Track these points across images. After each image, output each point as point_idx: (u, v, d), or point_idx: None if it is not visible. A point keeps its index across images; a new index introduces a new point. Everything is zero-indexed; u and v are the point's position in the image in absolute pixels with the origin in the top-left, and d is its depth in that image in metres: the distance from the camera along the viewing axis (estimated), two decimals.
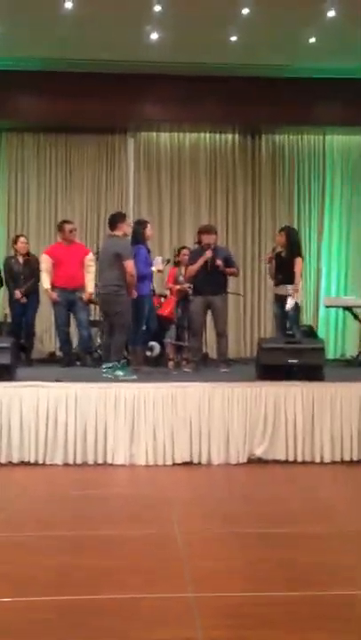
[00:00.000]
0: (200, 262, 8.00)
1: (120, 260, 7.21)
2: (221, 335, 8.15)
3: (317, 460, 6.76)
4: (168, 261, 8.85)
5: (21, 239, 9.23)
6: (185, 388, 6.78)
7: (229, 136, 11.75)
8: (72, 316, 8.80)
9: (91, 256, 8.84)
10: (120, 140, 11.61)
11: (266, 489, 5.95)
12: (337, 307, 10.56)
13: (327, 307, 10.90)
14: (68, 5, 8.55)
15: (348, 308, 10.12)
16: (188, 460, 6.63)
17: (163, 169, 11.66)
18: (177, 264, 9.13)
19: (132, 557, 4.13)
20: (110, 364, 7.30)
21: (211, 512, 5.14)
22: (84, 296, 8.65)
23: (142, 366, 8.03)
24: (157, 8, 8.64)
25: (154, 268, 8.05)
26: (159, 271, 8.28)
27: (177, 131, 11.62)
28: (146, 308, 7.87)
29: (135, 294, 7.50)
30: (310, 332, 10.03)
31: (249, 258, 11.62)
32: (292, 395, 6.80)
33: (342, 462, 6.77)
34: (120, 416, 6.62)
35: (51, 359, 10.19)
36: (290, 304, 8.22)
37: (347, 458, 6.79)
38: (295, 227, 11.61)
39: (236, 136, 11.75)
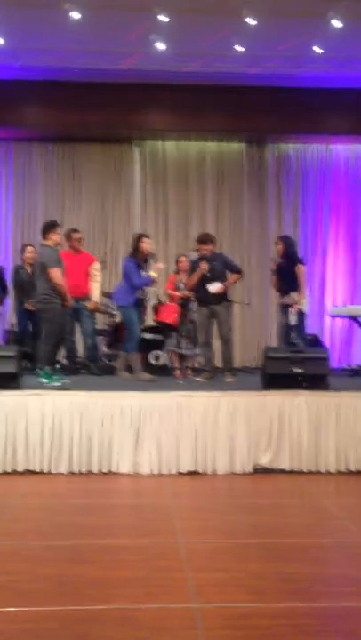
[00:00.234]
0: (195, 278, 8.12)
1: (45, 269, 7.28)
2: (226, 342, 8.18)
3: (322, 470, 6.75)
4: (153, 254, 8.80)
5: (29, 248, 9.24)
6: (190, 397, 6.77)
7: (235, 145, 11.76)
8: (77, 325, 8.82)
9: (96, 265, 8.87)
10: (126, 150, 11.64)
11: (270, 499, 5.94)
12: (342, 316, 10.54)
13: (332, 316, 10.88)
14: (75, 16, 8.59)
15: (353, 318, 10.09)
16: (192, 469, 6.62)
17: (168, 178, 11.68)
18: (177, 271, 9.15)
19: (134, 568, 4.13)
20: (38, 371, 7.36)
21: (215, 522, 5.13)
22: (90, 305, 8.67)
23: (144, 374, 8.04)
24: (163, 18, 8.68)
25: (152, 273, 8.15)
26: (155, 276, 8.33)
27: (183, 140, 11.65)
28: (132, 317, 8.08)
29: (71, 303, 7.62)
30: (316, 342, 10.00)
31: (255, 267, 11.62)
32: (296, 404, 6.79)
33: (347, 472, 6.75)
34: (125, 425, 6.62)
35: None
36: (293, 318, 8.25)
37: (352, 468, 6.77)
38: (301, 236, 11.67)
39: (243, 145, 11.77)
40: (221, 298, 8.15)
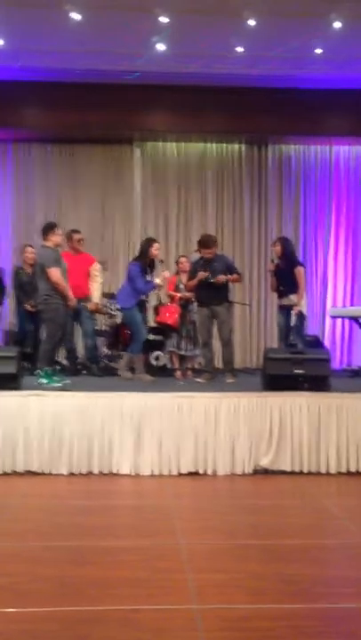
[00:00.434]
0: (195, 282, 8.13)
1: (44, 270, 7.33)
2: (226, 343, 8.17)
3: (323, 470, 6.73)
4: (161, 261, 8.81)
5: (29, 249, 9.24)
6: (191, 398, 6.76)
7: (236, 146, 11.76)
8: (77, 326, 8.82)
9: (96, 266, 8.86)
10: (126, 151, 11.64)
11: (271, 500, 5.93)
12: (343, 317, 10.54)
13: (333, 317, 10.87)
14: (75, 16, 8.59)
15: (354, 318, 10.09)
16: (193, 470, 6.61)
17: (169, 179, 11.68)
18: (177, 272, 9.14)
19: (135, 568, 4.12)
20: (39, 372, 7.36)
21: (215, 523, 5.11)
22: (90, 306, 8.66)
23: (146, 375, 8.04)
24: (163, 19, 8.68)
25: (158, 280, 8.20)
26: (163, 281, 8.37)
27: (183, 141, 11.65)
28: (136, 318, 8.11)
29: (74, 302, 7.62)
30: (316, 343, 9.99)
31: (255, 268, 11.62)
32: (297, 405, 6.78)
33: (348, 473, 6.74)
34: (126, 426, 6.61)
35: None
36: (293, 319, 8.26)
37: (353, 469, 6.76)
38: (301, 237, 11.67)
39: (243, 146, 11.77)
40: (222, 298, 8.15)
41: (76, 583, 3.87)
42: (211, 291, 8.04)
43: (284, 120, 10.95)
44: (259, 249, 11.68)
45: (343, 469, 6.75)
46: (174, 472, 6.59)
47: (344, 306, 11.39)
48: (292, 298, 8.37)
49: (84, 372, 8.86)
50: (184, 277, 8.76)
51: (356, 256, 11.86)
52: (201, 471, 6.62)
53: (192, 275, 8.28)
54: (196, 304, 8.48)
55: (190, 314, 8.79)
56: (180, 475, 6.57)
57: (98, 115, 10.67)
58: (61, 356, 8.98)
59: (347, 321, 10.94)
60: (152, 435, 6.61)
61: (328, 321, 11.54)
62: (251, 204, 11.73)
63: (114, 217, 11.55)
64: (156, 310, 9.21)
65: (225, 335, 8.15)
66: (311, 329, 11.23)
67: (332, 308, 11.23)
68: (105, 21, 8.77)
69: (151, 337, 8.90)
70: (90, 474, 6.54)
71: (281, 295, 8.59)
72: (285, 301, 8.46)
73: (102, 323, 9.89)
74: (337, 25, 8.78)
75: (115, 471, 6.56)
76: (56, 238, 7.58)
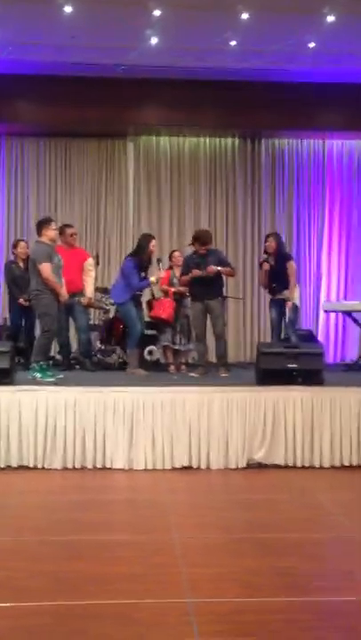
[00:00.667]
0: (189, 277, 8.10)
1: (35, 265, 7.37)
2: (220, 338, 8.17)
3: (317, 464, 6.76)
4: (159, 260, 8.80)
5: (21, 244, 9.22)
6: (184, 392, 6.77)
7: (229, 140, 11.73)
8: (71, 320, 8.80)
9: (90, 261, 8.84)
10: (120, 145, 11.59)
11: (265, 494, 5.94)
12: (337, 311, 10.56)
13: (327, 311, 10.89)
14: (68, 10, 8.55)
15: (347, 313, 10.11)
16: (187, 464, 6.62)
17: (163, 173, 11.64)
18: (171, 267, 9.13)
19: (131, 564, 4.12)
20: (34, 365, 7.36)
21: (209, 518, 5.12)
22: (83, 300, 8.65)
23: (140, 370, 8.03)
24: (157, 12, 8.65)
25: (152, 279, 8.22)
26: (157, 280, 8.39)
27: (177, 135, 11.62)
28: (131, 313, 8.12)
29: (65, 297, 7.59)
30: (310, 337, 10.01)
31: (249, 262, 11.60)
32: (291, 399, 6.79)
33: (342, 467, 6.76)
34: (119, 420, 6.61)
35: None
36: (290, 314, 8.28)
37: (346, 463, 6.78)
38: (295, 231, 11.67)
39: (236, 140, 11.74)
40: (216, 293, 8.14)
41: (72, 578, 3.87)
42: (204, 285, 8.03)
43: (279, 114, 10.90)
44: (252, 243, 11.66)
45: (337, 463, 6.78)
46: (168, 467, 6.59)
47: (338, 300, 11.41)
48: (286, 293, 8.38)
49: (78, 366, 8.84)
50: (178, 272, 8.75)
51: (350, 250, 11.87)
52: (195, 466, 6.63)
53: (185, 269, 8.27)
54: (189, 299, 8.47)
55: (184, 308, 8.78)
56: (174, 469, 6.58)
57: (91, 109, 10.61)
58: (54, 351, 8.97)
59: (340, 315, 10.95)
60: (146, 429, 6.61)
61: (322, 315, 11.55)
62: (244, 199, 11.71)
63: (107, 211, 11.50)
64: (150, 305, 9.20)
65: (219, 330, 8.15)
66: (305, 323, 11.25)
67: (325, 302, 11.24)
68: (98, 15, 8.73)
69: (145, 331, 8.89)
70: (84, 468, 6.55)
71: (275, 292, 8.60)
72: (279, 296, 8.47)
73: (96, 317, 9.87)
74: (330, 19, 8.77)
75: (108, 466, 6.56)
76: (51, 233, 7.57)
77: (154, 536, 4.66)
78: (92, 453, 6.57)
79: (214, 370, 8.26)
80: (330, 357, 10.96)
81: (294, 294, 8.46)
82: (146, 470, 6.55)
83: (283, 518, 5.16)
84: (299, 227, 11.75)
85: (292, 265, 8.49)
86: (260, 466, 6.70)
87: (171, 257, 9.23)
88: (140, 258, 8.16)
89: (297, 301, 8.56)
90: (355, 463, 6.78)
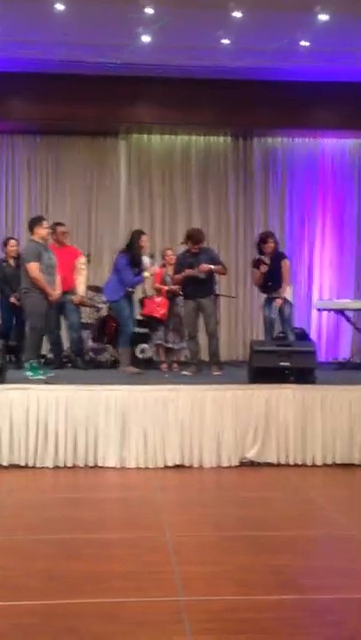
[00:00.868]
0: (182, 276, 8.07)
1: (24, 264, 7.41)
2: (212, 336, 8.15)
3: (309, 462, 6.75)
4: (152, 256, 8.79)
5: (11, 242, 9.17)
6: (176, 390, 6.75)
7: (221, 139, 11.72)
8: (63, 319, 8.77)
9: (82, 259, 8.81)
10: (112, 143, 11.55)
11: (257, 492, 5.93)
12: (329, 309, 10.56)
13: (319, 309, 10.89)
14: (60, 7, 8.51)
15: (340, 311, 10.11)
16: (179, 462, 6.60)
17: (154, 171, 11.61)
18: (164, 265, 9.12)
19: (124, 562, 4.11)
20: (25, 364, 7.37)
21: (202, 516, 5.11)
22: (75, 299, 8.62)
23: (131, 367, 8.01)
24: (150, 10, 8.62)
25: (146, 274, 8.20)
26: (152, 275, 8.37)
27: (169, 133, 11.59)
28: (124, 311, 8.12)
29: (55, 296, 7.58)
30: (303, 335, 10.00)
31: (241, 260, 11.59)
32: (283, 398, 6.79)
33: (334, 465, 6.76)
34: (111, 419, 6.59)
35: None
36: (286, 310, 8.30)
37: (338, 461, 6.78)
38: (287, 230, 11.66)
39: (229, 139, 11.72)
40: (208, 291, 8.12)
41: (65, 577, 3.85)
42: (197, 284, 8.01)
43: (271, 113, 10.88)
44: (244, 241, 11.64)
45: (329, 461, 6.78)
46: (160, 465, 6.58)
47: (330, 298, 11.41)
48: (281, 291, 8.37)
49: (69, 364, 8.82)
50: (171, 270, 8.73)
51: (342, 249, 11.87)
52: (187, 464, 6.62)
53: (178, 267, 8.25)
54: (182, 297, 8.45)
55: (177, 307, 8.77)
56: (167, 467, 6.57)
57: (83, 106, 10.55)
58: (46, 349, 8.94)
59: (333, 313, 10.95)
60: (138, 427, 6.59)
61: (314, 313, 11.55)
62: (236, 197, 11.70)
63: (98, 209, 11.46)
64: (142, 303, 9.18)
65: (211, 328, 8.13)
66: (298, 322, 11.24)
67: (318, 300, 11.24)
68: (90, 12, 8.69)
69: (137, 329, 8.87)
70: (75, 467, 6.52)
71: (270, 291, 8.58)
72: (275, 294, 8.46)
73: (88, 315, 9.84)
74: (323, 17, 8.76)
75: (101, 464, 6.54)
76: (42, 231, 7.56)
77: (147, 534, 4.64)
78: (84, 452, 6.54)
79: (207, 368, 8.25)
80: (322, 356, 10.95)
81: (286, 291, 8.45)
82: (138, 468, 6.53)
83: (276, 516, 5.15)
84: (291, 225, 11.74)
85: (286, 263, 8.49)
86: (253, 464, 6.69)
87: (163, 255, 9.21)
88: (133, 253, 8.14)
89: (290, 297, 8.56)
90: (346, 461, 6.78)
